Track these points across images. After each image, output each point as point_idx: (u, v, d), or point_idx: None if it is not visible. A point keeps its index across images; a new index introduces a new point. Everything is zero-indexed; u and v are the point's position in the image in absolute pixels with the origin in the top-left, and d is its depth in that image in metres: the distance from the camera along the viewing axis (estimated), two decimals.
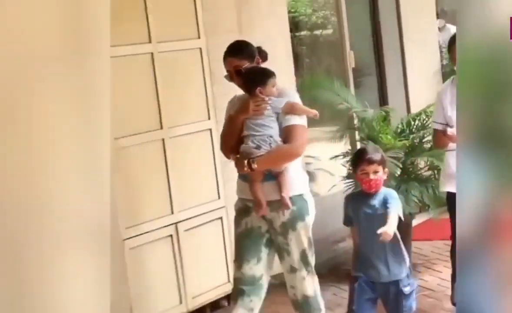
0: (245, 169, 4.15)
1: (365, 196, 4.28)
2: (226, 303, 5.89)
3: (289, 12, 7.61)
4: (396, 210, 4.11)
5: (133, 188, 5.15)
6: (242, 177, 4.32)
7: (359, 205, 4.30)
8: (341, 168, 6.22)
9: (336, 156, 6.46)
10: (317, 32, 9.45)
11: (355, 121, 6.59)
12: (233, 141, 4.28)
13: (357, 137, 6.62)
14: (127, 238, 5.32)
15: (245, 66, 4.37)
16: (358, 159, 4.30)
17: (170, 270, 5.57)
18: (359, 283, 4.29)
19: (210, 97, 5.86)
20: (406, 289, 4.20)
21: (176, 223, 5.56)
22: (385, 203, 4.19)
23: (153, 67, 5.44)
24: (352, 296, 4.34)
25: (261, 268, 4.32)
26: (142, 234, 5.26)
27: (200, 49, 5.78)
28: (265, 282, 4.35)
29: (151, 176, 5.41)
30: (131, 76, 5.36)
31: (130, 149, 5.30)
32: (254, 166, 4.13)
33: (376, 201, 4.23)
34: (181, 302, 5.66)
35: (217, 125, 5.70)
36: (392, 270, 4.21)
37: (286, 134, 4.20)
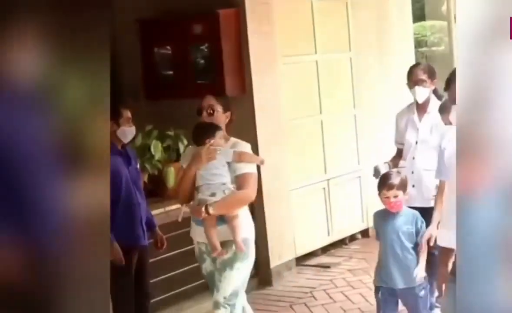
0: (203, 215, 4.01)
1: (392, 214, 4.25)
2: (360, 236, 7.03)
3: (415, 34, 8.75)
4: (426, 236, 4.17)
5: (303, 157, 6.08)
6: (197, 222, 4.18)
7: (387, 221, 4.27)
8: None
9: None
10: (434, 48, 11.18)
11: None
12: (188, 190, 4.15)
13: None
14: (293, 189, 6.34)
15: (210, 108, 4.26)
16: (380, 184, 4.29)
17: (321, 212, 6.68)
18: (382, 292, 4.31)
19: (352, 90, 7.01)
20: (422, 293, 4.22)
21: (328, 180, 6.80)
22: (414, 222, 4.21)
23: (317, 71, 6.69)
24: (379, 304, 4.36)
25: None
26: (304, 186, 6.23)
27: (351, 58, 7.03)
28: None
29: (311, 149, 6.63)
30: (299, 76, 6.46)
31: (297, 126, 6.38)
32: (211, 211, 3.99)
33: (403, 220, 4.22)
34: (329, 235, 6.78)
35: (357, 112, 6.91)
36: (407, 278, 4.20)
37: (238, 181, 4.08)
